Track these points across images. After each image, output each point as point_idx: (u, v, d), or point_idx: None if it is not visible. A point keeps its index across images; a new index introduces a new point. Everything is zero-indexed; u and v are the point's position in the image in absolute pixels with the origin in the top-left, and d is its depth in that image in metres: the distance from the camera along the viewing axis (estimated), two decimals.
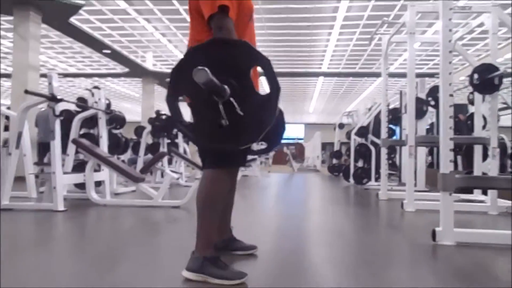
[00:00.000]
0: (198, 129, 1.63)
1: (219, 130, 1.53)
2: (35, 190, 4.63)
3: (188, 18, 1.88)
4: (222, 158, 1.75)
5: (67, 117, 4.84)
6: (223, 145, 1.61)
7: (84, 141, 4.37)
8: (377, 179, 6.81)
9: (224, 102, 1.49)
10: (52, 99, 3.68)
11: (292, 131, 27.97)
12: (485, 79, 3.93)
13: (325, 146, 20.54)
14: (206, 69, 1.38)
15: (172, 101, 1.58)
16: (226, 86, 1.48)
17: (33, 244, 2.51)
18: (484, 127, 4.76)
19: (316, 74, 14.45)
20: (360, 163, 7.40)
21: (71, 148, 4.70)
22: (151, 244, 2.53)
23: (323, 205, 5.04)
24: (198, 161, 8.89)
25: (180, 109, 1.59)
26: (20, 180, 4.39)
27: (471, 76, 4.05)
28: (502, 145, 7.01)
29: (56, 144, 3.73)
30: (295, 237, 2.80)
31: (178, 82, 1.57)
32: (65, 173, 4.16)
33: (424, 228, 2.84)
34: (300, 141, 25.80)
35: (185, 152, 7.85)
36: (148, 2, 8.51)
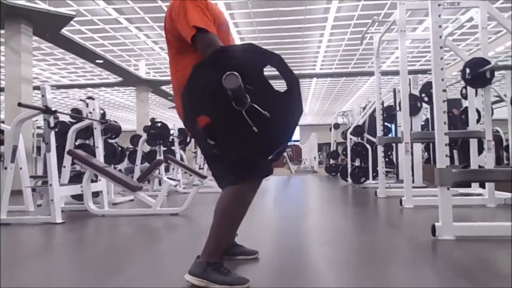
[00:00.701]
0: (225, 144, 1.52)
1: (248, 140, 1.47)
2: (32, 204, 4.60)
3: None
4: (248, 171, 1.70)
5: (62, 129, 4.83)
6: (256, 154, 1.54)
7: (80, 152, 4.35)
8: (375, 177, 6.83)
9: (246, 110, 1.43)
10: (46, 111, 3.67)
11: None
12: (477, 73, 3.97)
13: (321, 147, 20.59)
14: (236, 73, 1.32)
15: (191, 125, 1.50)
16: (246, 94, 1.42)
17: (32, 257, 2.49)
18: (478, 120, 4.79)
19: (310, 76, 14.50)
20: (357, 162, 7.41)
21: (67, 159, 4.68)
22: (151, 252, 2.52)
23: (322, 205, 5.05)
24: (195, 167, 8.82)
25: (201, 130, 1.52)
26: (17, 193, 4.36)
27: (463, 71, 4.09)
28: (497, 138, 7.06)
29: (52, 156, 3.72)
30: (295, 238, 2.80)
31: (192, 102, 1.48)
32: (62, 184, 4.14)
33: (424, 223, 2.84)
34: (296, 143, 25.82)
35: (181, 159, 7.84)
36: (139, 11, 8.52)
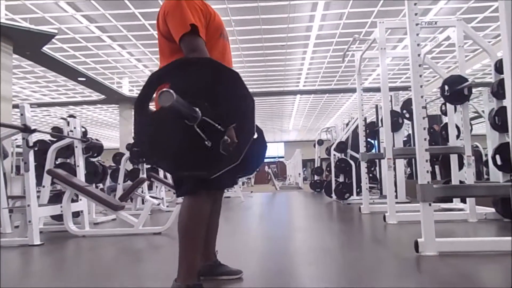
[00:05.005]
0: (175, 158, 1.52)
1: (197, 156, 1.46)
2: (9, 225, 4.46)
3: None
4: (198, 183, 1.69)
5: (42, 148, 4.73)
6: (203, 171, 1.51)
7: (60, 171, 4.26)
8: (359, 193, 6.85)
9: (199, 124, 1.42)
10: (25, 130, 3.59)
11: (273, 150, 28.06)
12: (455, 90, 4.06)
13: (306, 163, 20.67)
14: (171, 91, 1.30)
15: (141, 140, 1.53)
16: (196, 108, 1.42)
17: (7, 282, 2.39)
18: (458, 136, 4.88)
19: (293, 93, 14.65)
20: (341, 178, 7.44)
21: (47, 179, 4.57)
22: (133, 274, 2.45)
23: (307, 222, 5.02)
24: None
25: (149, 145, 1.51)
26: None
27: (441, 88, 4.18)
28: (477, 153, 7.19)
29: (30, 176, 3.63)
30: (281, 257, 2.77)
31: (142, 116, 1.47)
32: (41, 205, 4.04)
33: (407, 240, 2.85)
34: (281, 159, 25.87)
35: (165, 176, 7.75)
36: (122, 29, 8.52)
